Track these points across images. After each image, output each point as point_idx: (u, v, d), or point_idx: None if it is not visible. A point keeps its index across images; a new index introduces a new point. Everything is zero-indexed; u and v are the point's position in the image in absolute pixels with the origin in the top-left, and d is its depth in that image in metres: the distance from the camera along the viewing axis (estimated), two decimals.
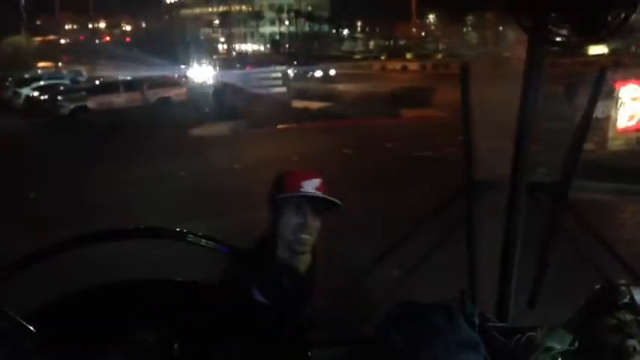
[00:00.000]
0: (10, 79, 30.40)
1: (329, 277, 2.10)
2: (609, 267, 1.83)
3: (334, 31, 78.93)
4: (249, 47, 73.10)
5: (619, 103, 12.14)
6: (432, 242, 1.95)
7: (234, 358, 1.28)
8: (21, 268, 1.24)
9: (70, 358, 1.20)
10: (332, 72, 36.32)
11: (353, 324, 1.87)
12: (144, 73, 26.75)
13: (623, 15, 1.37)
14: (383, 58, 57.58)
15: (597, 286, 1.64)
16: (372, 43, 77.77)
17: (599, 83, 1.77)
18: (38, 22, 68.32)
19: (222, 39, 71.29)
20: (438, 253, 1.85)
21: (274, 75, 22.82)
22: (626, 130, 12.50)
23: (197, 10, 76.12)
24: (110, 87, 24.92)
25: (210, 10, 76.77)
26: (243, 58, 27.51)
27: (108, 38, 66.20)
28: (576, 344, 1.59)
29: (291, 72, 28.06)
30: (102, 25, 75.32)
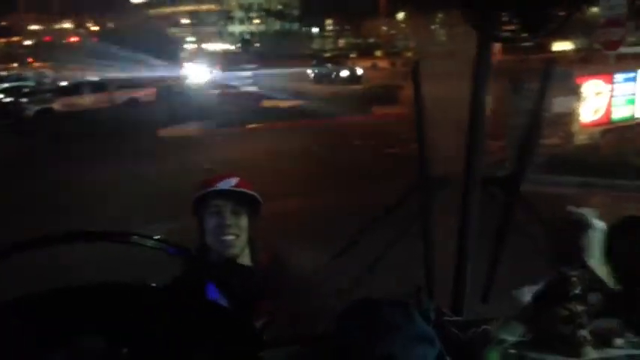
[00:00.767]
0: None
1: (284, 275, 2.10)
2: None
3: (304, 29, 78.87)
4: (218, 46, 72.63)
5: (582, 98, 12.36)
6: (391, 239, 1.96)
7: None
8: None
9: None
10: (359, 71, 32.10)
11: (310, 321, 1.87)
12: (111, 74, 26.40)
13: (566, 12, 1.40)
14: (353, 56, 57.70)
15: (549, 278, 1.66)
16: (342, 41, 77.91)
17: (547, 77, 1.80)
18: (3, 24, 66.97)
19: (190, 38, 70.76)
20: (397, 249, 1.86)
21: (244, 74, 22.73)
22: (589, 125, 12.74)
23: (165, 10, 75.40)
24: (76, 88, 24.58)
25: (178, 9, 76.14)
26: (213, 58, 27.28)
27: (74, 39, 65.15)
28: (529, 335, 1.62)
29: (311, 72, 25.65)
30: (68, 25, 74.11)
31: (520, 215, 1.77)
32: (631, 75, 13.63)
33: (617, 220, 2.45)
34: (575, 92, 12.17)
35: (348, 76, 31.18)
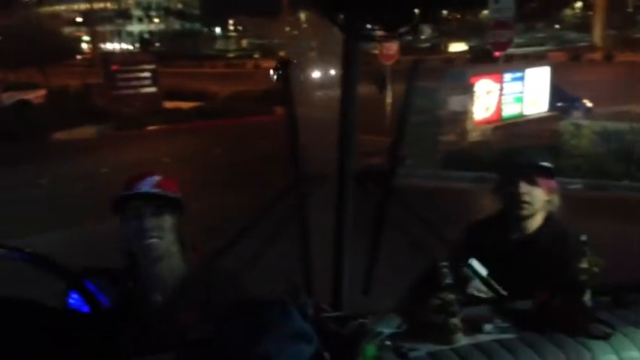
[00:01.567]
0: None
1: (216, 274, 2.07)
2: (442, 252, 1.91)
3: (206, 29, 77.81)
4: (116, 46, 70.31)
5: (475, 96, 12.92)
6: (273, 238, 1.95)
7: None
8: None
9: None
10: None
11: (192, 326, 1.83)
12: None
13: (422, 12, 1.45)
14: (257, 56, 57.56)
15: (423, 270, 1.71)
16: (245, 42, 77.51)
17: (414, 75, 1.85)
18: None
19: (86, 38, 68.05)
20: (278, 248, 1.85)
21: (143, 75, 22.07)
22: (482, 122, 13.34)
23: (60, 7, 72.04)
24: None
25: (73, 7, 72.91)
26: (109, 58, 26.32)
27: None
28: (404, 326, 1.66)
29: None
30: None
31: (397, 209, 1.81)
32: (518, 75, 14.41)
33: (475, 221, 2.62)
34: (469, 91, 12.71)
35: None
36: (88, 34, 65.83)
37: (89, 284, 1.63)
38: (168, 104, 22.29)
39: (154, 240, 2.09)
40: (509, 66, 15.65)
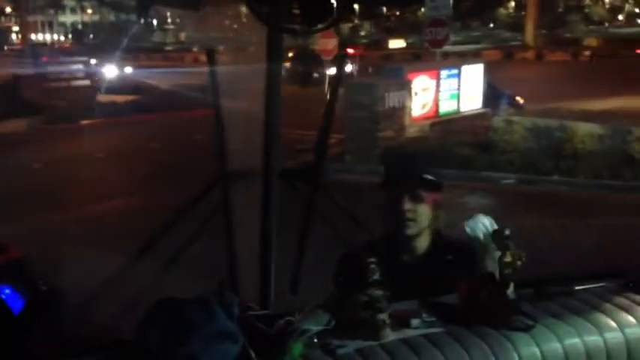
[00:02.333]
0: None
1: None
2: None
3: (142, 21, 76.04)
4: (47, 37, 67.86)
5: (413, 93, 13.10)
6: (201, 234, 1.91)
7: None
8: None
9: None
10: None
11: (117, 328, 1.77)
12: None
13: (343, 6, 1.45)
14: (195, 49, 56.67)
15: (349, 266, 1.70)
16: (183, 35, 76.18)
17: (340, 68, 1.86)
18: None
19: (16, 28, 65.41)
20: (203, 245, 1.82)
21: (75, 67, 21.40)
22: (419, 118, 13.54)
23: None
24: None
25: None
26: (39, 49, 25.39)
27: None
28: (332, 323, 1.65)
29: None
30: None
31: (324, 205, 1.80)
32: (454, 71, 14.70)
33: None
34: (406, 87, 12.87)
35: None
36: (17, 25, 63.36)
37: (3, 286, 1.55)
38: (103, 98, 21.66)
39: None
40: (446, 63, 15.96)
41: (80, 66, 21.39)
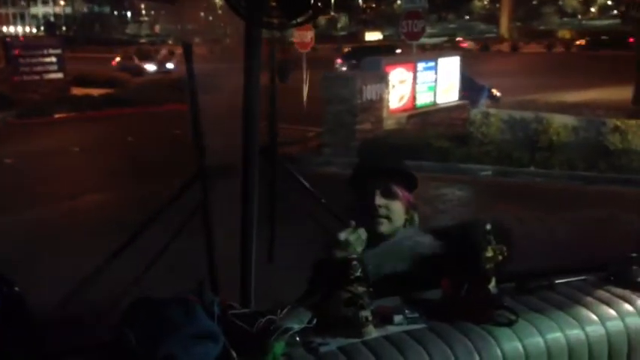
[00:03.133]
0: None
1: None
2: None
3: (116, 13, 75.06)
4: (19, 30, 66.67)
5: (390, 85, 13.11)
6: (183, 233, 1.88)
7: None
8: None
9: None
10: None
11: (93, 328, 1.74)
12: None
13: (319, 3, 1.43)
14: (170, 42, 56.10)
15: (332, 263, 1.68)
16: (158, 27, 75.34)
17: (273, 59, 1.86)
18: None
19: None
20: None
21: (48, 60, 21.00)
22: (396, 111, 13.57)
23: None
24: None
25: None
26: (11, 42, 24.90)
27: None
28: (314, 321, 1.63)
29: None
30: None
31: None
32: (431, 64, 14.74)
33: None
34: (384, 80, 12.88)
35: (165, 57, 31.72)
36: None
37: None
38: (77, 91, 21.34)
39: None
40: (422, 56, 16.00)
41: (54, 59, 20.99)
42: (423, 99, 14.50)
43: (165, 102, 18.90)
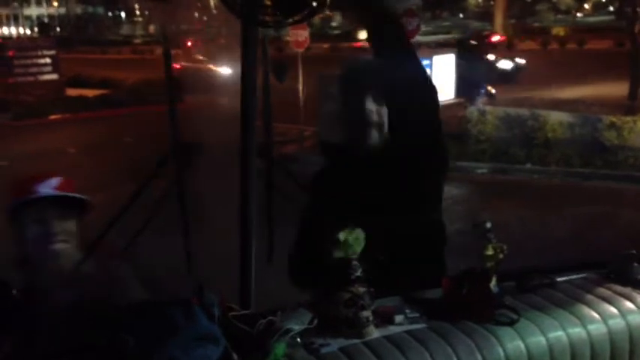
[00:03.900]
0: None
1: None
2: None
3: (110, 13, 74.91)
4: (13, 31, 66.47)
5: None
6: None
7: None
8: None
9: None
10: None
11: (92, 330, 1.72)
12: None
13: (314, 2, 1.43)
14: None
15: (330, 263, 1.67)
16: (152, 27, 75.22)
17: (266, 59, 1.88)
18: None
19: None
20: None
21: (42, 61, 20.93)
22: None
23: None
24: None
25: None
26: (5, 43, 24.84)
27: None
28: (315, 322, 1.62)
29: None
30: None
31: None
32: (426, 62, 14.71)
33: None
34: None
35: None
36: None
37: None
38: (72, 92, 21.27)
39: (60, 245, 2.00)
40: (420, 53, 15.94)
41: (48, 60, 20.93)
42: None
43: (159, 102, 18.84)
